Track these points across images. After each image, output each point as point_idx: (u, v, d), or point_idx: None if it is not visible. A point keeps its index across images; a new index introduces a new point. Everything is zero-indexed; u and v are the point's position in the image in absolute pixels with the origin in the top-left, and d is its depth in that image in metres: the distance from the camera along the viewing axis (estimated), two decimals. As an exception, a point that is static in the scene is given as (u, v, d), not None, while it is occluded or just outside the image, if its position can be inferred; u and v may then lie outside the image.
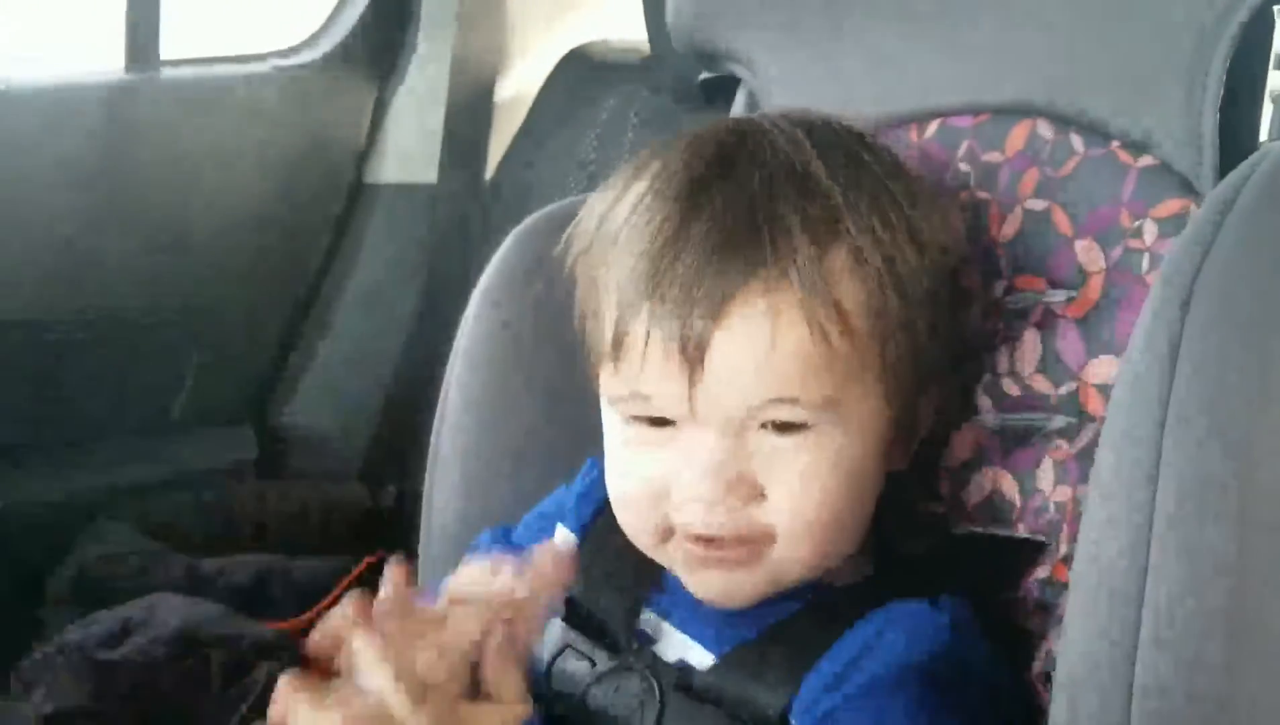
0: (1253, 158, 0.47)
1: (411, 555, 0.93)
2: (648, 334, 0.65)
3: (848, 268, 0.66)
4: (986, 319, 0.77)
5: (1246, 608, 0.45)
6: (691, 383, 0.64)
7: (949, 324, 0.73)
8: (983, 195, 0.78)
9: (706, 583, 0.69)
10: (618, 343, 0.67)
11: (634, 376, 0.67)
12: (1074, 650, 0.49)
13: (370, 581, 0.61)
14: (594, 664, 0.72)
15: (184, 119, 1.49)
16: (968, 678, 0.66)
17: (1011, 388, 0.74)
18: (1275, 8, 0.67)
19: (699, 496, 0.66)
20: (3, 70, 1.41)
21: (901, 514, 0.75)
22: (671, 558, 0.70)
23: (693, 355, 0.64)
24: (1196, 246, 0.46)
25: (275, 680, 0.57)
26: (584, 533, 0.78)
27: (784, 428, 0.66)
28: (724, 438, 0.66)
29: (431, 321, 1.59)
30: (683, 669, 0.70)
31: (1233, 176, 0.47)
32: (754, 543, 0.67)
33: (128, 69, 1.45)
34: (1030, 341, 0.74)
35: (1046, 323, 0.74)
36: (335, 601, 0.62)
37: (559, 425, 0.90)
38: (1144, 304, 0.49)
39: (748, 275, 0.64)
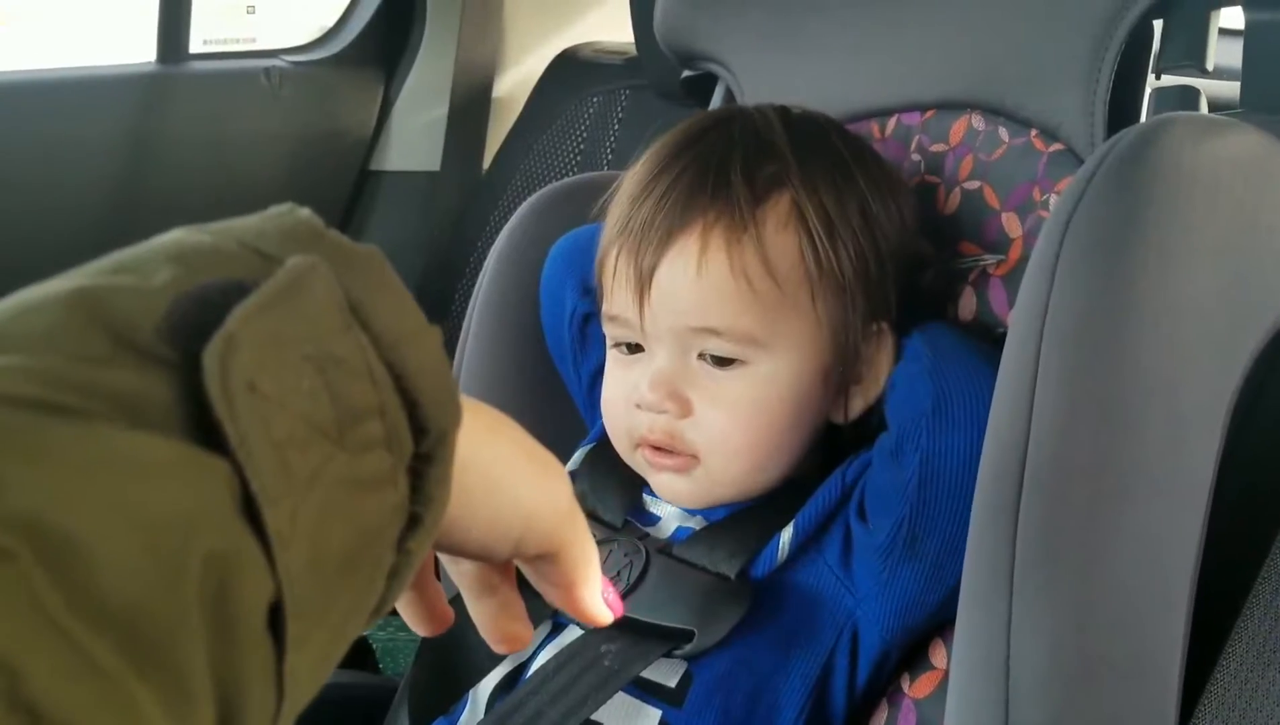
0: (1115, 136, 0.62)
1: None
2: (616, 265, 0.79)
3: (784, 219, 0.76)
4: (936, 280, 0.92)
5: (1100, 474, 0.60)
6: (641, 304, 0.77)
7: (892, 298, 0.81)
8: (931, 179, 0.93)
9: (660, 483, 0.81)
10: (600, 272, 0.82)
11: (610, 301, 0.80)
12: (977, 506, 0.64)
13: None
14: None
15: (209, 108, 1.60)
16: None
17: (951, 334, 0.89)
18: (1155, 21, 0.83)
19: (644, 399, 0.78)
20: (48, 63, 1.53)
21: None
22: (639, 463, 0.82)
23: (643, 281, 0.76)
24: (1070, 200, 0.61)
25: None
26: (591, 442, 0.90)
27: (720, 362, 0.77)
28: (670, 357, 0.77)
29: (430, 296, 1.72)
30: (669, 540, 0.80)
31: (1100, 149, 0.62)
32: (686, 455, 0.78)
33: (159, 61, 1.57)
34: (968, 297, 0.89)
35: (980, 282, 0.89)
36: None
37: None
38: (1035, 246, 0.64)
39: (689, 216, 0.75)
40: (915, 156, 0.95)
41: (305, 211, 0.34)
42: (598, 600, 0.48)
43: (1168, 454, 0.60)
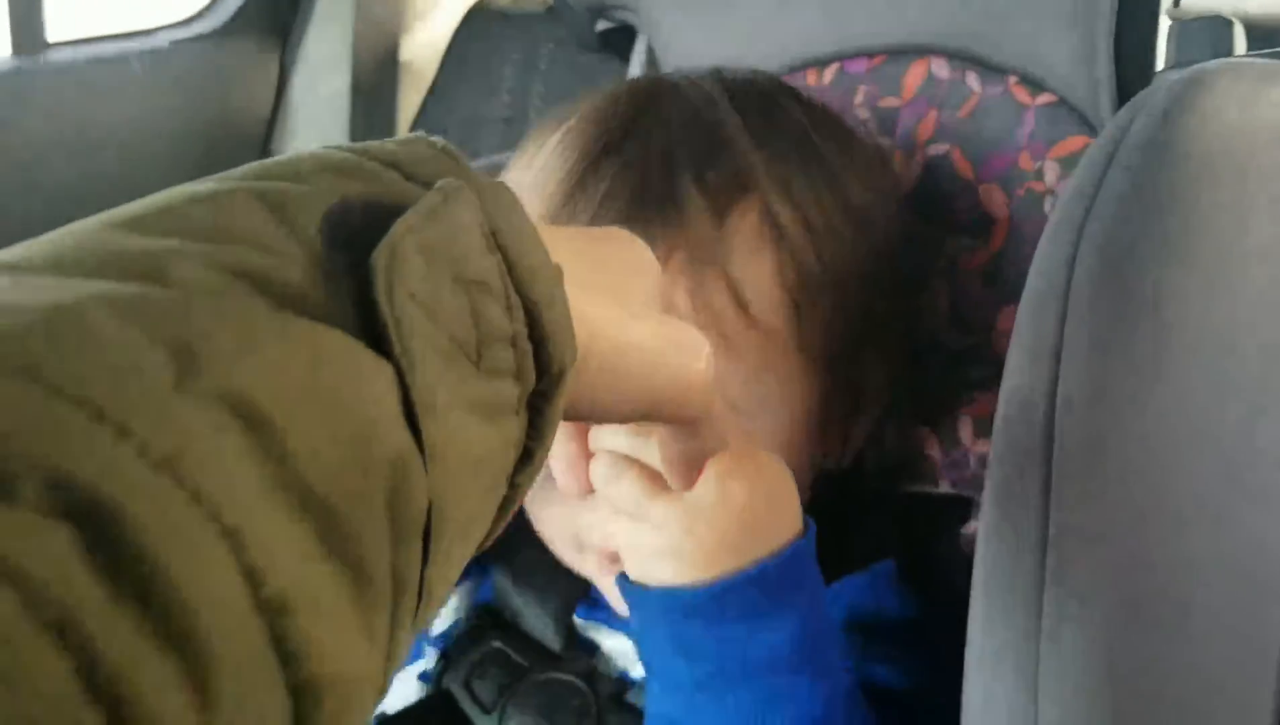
0: (1144, 92, 0.45)
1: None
2: None
3: (755, 236, 0.60)
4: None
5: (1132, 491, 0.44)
6: None
7: (892, 283, 0.66)
8: (883, 141, 0.76)
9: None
10: None
11: None
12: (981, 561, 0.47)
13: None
14: (527, 667, 0.65)
15: (80, 101, 1.44)
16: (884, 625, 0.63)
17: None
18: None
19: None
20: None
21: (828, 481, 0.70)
22: (588, 568, 0.64)
23: None
24: (1089, 184, 0.44)
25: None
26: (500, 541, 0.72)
27: None
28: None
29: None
30: (620, 680, 0.64)
31: (1123, 111, 0.45)
32: None
33: (15, 55, 1.40)
34: (938, 295, 0.72)
35: (948, 275, 0.72)
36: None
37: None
38: (1040, 239, 0.47)
39: None
40: (862, 113, 0.77)
41: (439, 139, 0.33)
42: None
43: (1241, 455, 0.43)
